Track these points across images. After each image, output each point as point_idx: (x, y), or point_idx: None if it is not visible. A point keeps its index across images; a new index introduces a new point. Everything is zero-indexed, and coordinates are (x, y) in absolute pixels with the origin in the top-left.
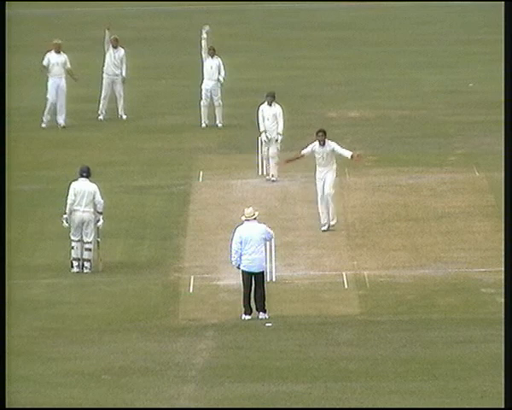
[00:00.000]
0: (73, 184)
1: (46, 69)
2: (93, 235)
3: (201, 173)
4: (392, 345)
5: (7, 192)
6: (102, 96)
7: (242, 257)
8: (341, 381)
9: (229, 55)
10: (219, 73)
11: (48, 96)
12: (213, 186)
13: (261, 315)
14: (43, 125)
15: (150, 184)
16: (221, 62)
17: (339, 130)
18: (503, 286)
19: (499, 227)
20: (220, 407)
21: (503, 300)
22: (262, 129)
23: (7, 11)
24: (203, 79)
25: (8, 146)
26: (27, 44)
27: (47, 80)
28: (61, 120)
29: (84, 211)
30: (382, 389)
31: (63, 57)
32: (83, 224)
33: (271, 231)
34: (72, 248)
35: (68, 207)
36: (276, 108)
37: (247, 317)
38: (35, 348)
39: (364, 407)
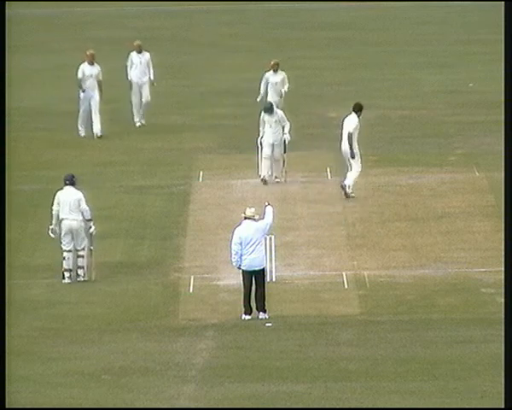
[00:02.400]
0: (58, 194)
1: (80, 81)
2: (85, 243)
3: (201, 173)
4: (392, 345)
5: (7, 192)
6: (134, 104)
7: (242, 257)
8: (341, 381)
9: (229, 55)
10: (283, 86)
11: (80, 107)
12: (213, 186)
13: (261, 315)
14: (82, 134)
15: (150, 184)
16: (285, 76)
17: (339, 130)
18: (503, 286)
19: (499, 227)
20: (220, 407)
21: (503, 300)
22: (261, 134)
23: (7, 11)
24: (266, 93)
25: (8, 146)
26: (27, 44)
27: (79, 91)
28: (97, 130)
29: (72, 219)
30: (382, 389)
31: (96, 69)
32: (72, 233)
33: (268, 220)
34: (64, 258)
35: (54, 217)
36: (278, 114)
37: (247, 317)
38: (35, 348)
39: (364, 407)
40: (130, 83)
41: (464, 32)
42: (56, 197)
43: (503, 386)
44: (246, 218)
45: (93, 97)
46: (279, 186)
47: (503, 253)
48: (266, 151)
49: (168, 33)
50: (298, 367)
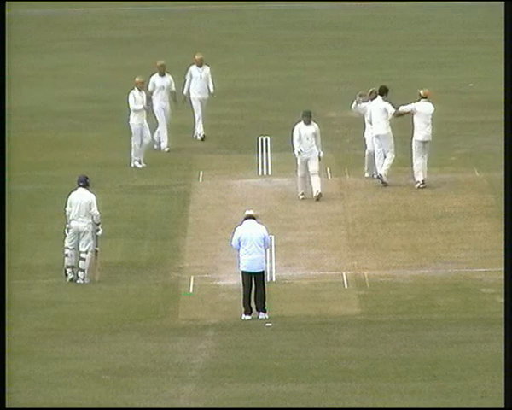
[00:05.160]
0: (71, 195)
1: (151, 94)
2: (89, 245)
3: (201, 173)
4: (392, 345)
5: (7, 192)
6: (196, 119)
7: (243, 257)
8: (341, 381)
9: (230, 55)
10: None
11: (159, 122)
12: (213, 186)
13: (261, 315)
14: (167, 149)
15: (150, 184)
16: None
17: (339, 130)
18: (503, 286)
19: (499, 227)
20: (220, 407)
21: (503, 300)
22: (297, 150)
23: (7, 11)
24: (364, 126)
25: (8, 146)
26: (27, 44)
27: (149, 105)
28: (164, 145)
29: (80, 221)
30: (382, 389)
31: (168, 79)
32: (79, 233)
33: (269, 239)
34: (66, 255)
35: (68, 218)
36: (315, 127)
37: (247, 317)
38: (35, 348)
39: (364, 407)
40: (185, 97)
41: (464, 32)
42: (69, 198)
43: (503, 386)
44: (247, 217)
45: (165, 109)
46: (279, 186)
47: (503, 253)
48: (302, 169)
49: (168, 33)
50: (298, 367)
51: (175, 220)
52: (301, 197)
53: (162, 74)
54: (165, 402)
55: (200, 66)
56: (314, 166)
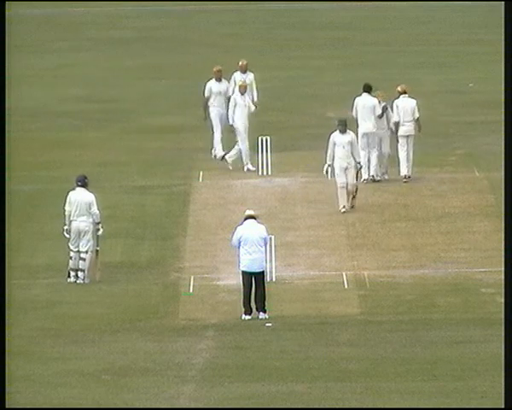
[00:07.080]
0: (70, 194)
1: (207, 100)
2: (89, 245)
3: (201, 173)
4: (392, 345)
5: (7, 192)
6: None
7: (243, 257)
8: (341, 381)
9: (230, 55)
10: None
11: (214, 128)
12: (213, 186)
13: (261, 315)
14: (220, 154)
15: (150, 184)
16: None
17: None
18: (503, 286)
19: (499, 227)
20: (220, 407)
21: (503, 300)
22: (329, 161)
23: (7, 11)
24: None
25: (8, 146)
26: (27, 44)
27: (207, 110)
28: (217, 151)
29: (80, 221)
30: (382, 389)
31: (224, 85)
32: (80, 233)
33: (268, 239)
34: (71, 258)
35: (66, 217)
36: (351, 135)
37: (247, 317)
38: (35, 348)
39: (364, 407)
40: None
41: (464, 32)
42: (68, 198)
43: (503, 386)
44: (247, 217)
45: (222, 115)
46: (279, 186)
47: (503, 253)
48: (342, 179)
49: (168, 33)
50: (298, 367)
51: (175, 220)
52: (343, 211)
53: (219, 80)
54: (165, 402)
55: (244, 72)
56: (349, 179)
